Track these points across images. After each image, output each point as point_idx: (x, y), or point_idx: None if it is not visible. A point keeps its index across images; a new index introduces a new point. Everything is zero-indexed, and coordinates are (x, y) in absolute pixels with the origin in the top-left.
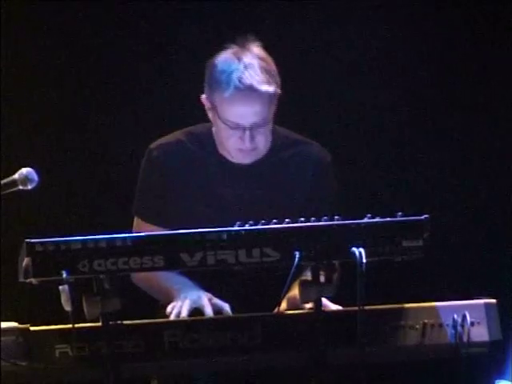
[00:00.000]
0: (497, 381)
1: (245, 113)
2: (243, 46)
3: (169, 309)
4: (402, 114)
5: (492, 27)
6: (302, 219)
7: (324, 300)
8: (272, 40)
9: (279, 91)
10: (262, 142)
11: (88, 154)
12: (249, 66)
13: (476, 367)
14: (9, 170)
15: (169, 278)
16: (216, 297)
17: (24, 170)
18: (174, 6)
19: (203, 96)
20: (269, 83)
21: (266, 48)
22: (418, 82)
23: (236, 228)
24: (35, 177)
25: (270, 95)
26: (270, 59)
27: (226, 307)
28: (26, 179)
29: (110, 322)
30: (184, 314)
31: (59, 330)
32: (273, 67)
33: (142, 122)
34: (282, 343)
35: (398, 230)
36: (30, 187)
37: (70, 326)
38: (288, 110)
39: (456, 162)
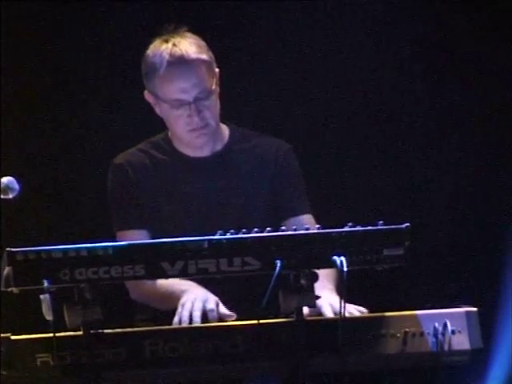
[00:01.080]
0: None
1: (184, 86)
2: (171, 32)
3: (179, 308)
4: (385, 118)
5: (491, 29)
6: (284, 227)
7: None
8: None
9: (217, 69)
10: (211, 117)
11: (70, 162)
12: (178, 43)
13: (457, 375)
14: None
15: (173, 284)
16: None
17: (5, 179)
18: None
19: (145, 92)
20: (200, 52)
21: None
22: (404, 84)
23: (217, 237)
24: (16, 186)
25: (204, 63)
26: (199, 38)
27: (232, 317)
28: (6, 188)
29: (91, 331)
30: (197, 317)
31: (40, 339)
32: (203, 43)
33: (127, 132)
34: (264, 352)
35: (379, 238)
36: (11, 196)
37: (51, 335)
38: (266, 114)
39: (438, 170)
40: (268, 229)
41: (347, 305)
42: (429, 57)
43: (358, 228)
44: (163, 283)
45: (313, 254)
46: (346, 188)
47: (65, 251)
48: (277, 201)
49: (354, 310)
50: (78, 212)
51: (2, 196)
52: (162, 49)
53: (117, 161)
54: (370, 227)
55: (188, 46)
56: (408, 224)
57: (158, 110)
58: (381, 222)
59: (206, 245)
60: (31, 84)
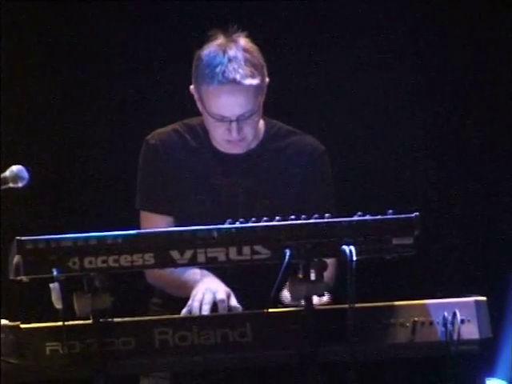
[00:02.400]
0: (487, 378)
1: (229, 105)
2: (229, 36)
3: (190, 300)
4: (396, 110)
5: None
6: (293, 217)
7: None
8: (264, 33)
9: (266, 82)
10: (250, 133)
11: (78, 151)
12: (233, 59)
13: (466, 365)
14: None
15: (188, 272)
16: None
17: (14, 168)
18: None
19: (191, 87)
20: (252, 76)
21: (256, 40)
22: (415, 78)
23: (226, 226)
24: (26, 174)
25: (254, 87)
26: (256, 51)
27: (238, 310)
28: (16, 177)
29: (101, 320)
30: (206, 311)
31: (50, 327)
32: (258, 59)
33: (135, 118)
34: (273, 341)
35: (389, 227)
36: (20, 185)
37: (61, 323)
38: (281, 104)
39: (448, 160)
40: (277, 218)
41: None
42: (444, 55)
43: (368, 217)
44: (179, 270)
45: (322, 243)
46: (355, 177)
47: (74, 240)
48: (303, 205)
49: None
50: (88, 200)
51: (12, 185)
52: (216, 61)
53: (150, 140)
54: (379, 216)
55: (243, 65)
56: (417, 213)
57: (199, 106)
58: (390, 211)
59: (215, 234)
60: (41, 71)
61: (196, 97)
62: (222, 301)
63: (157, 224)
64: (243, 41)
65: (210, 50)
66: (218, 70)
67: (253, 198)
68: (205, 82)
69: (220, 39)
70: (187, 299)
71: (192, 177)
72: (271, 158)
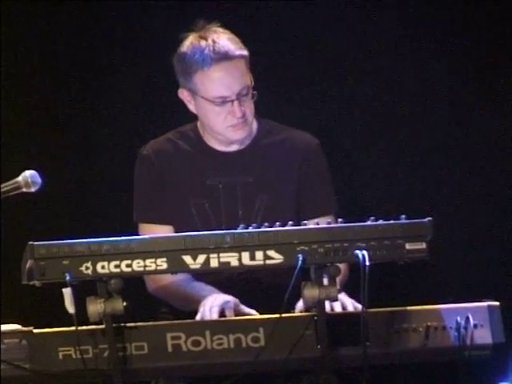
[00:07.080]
0: (500, 383)
1: (228, 83)
2: (203, 28)
3: (201, 308)
4: (404, 114)
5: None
6: (305, 222)
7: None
8: (260, 35)
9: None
10: (250, 115)
11: (91, 156)
12: (217, 39)
13: (479, 370)
14: (11, 172)
15: (194, 286)
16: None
17: (27, 173)
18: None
19: (180, 90)
20: (241, 48)
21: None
22: (420, 79)
23: (239, 230)
24: (39, 179)
25: (245, 60)
26: (233, 34)
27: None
28: (29, 182)
29: (113, 325)
30: (215, 313)
31: (62, 332)
32: (238, 39)
33: (145, 125)
34: (286, 346)
35: (402, 232)
36: (33, 190)
37: (74, 328)
38: (286, 108)
39: (462, 162)
40: (290, 222)
41: (345, 298)
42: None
43: (381, 222)
44: (184, 283)
45: (335, 247)
46: (368, 181)
47: (87, 245)
48: (301, 200)
49: (349, 305)
50: (101, 205)
51: (25, 190)
52: (202, 46)
53: (143, 151)
54: (392, 221)
55: (228, 42)
56: (430, 218)
57: (192, 107)
58: (403, 216)
59: (228, 238)
60: (51, 78)
61: (187, 98)
62: (227, 302)
63: (155, 234)
64: (218, 28)
65: (189, 42)
66: (206, 51)
67: (251, 194)
68: (198, 68)
69: (193, 33)
70: (194, 313)
71: (188, 181)
72: (266, 154)
